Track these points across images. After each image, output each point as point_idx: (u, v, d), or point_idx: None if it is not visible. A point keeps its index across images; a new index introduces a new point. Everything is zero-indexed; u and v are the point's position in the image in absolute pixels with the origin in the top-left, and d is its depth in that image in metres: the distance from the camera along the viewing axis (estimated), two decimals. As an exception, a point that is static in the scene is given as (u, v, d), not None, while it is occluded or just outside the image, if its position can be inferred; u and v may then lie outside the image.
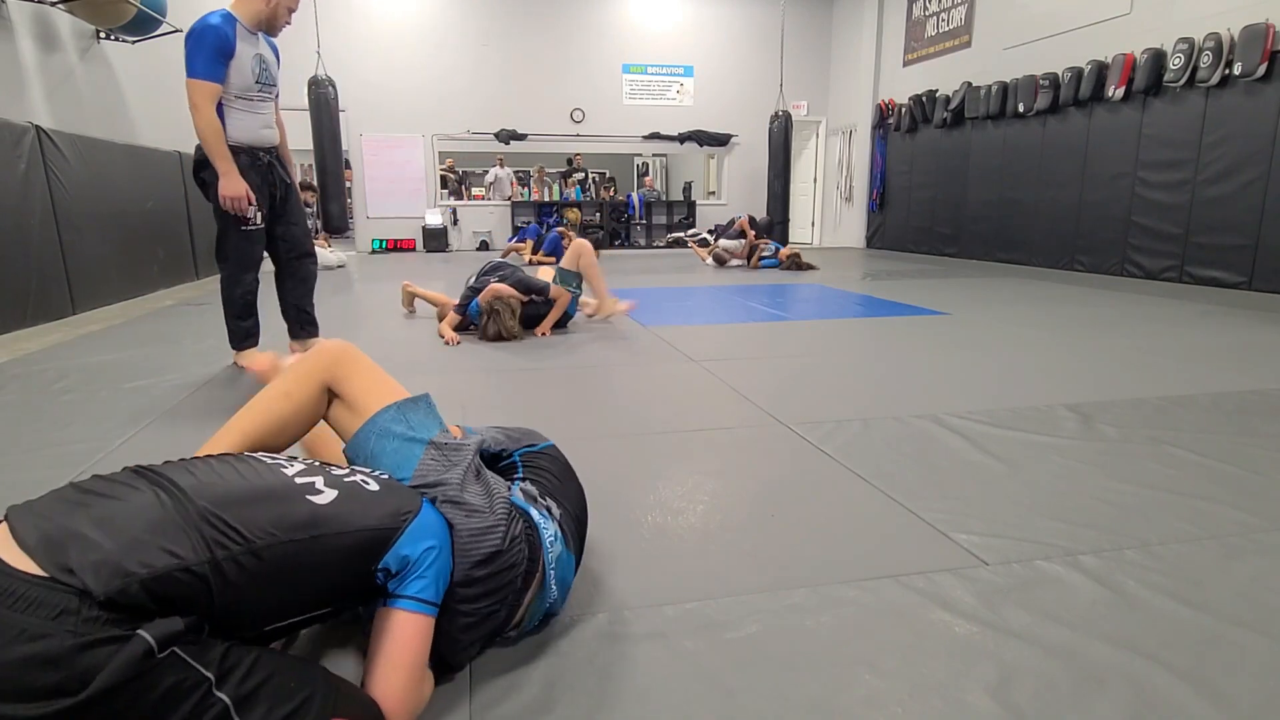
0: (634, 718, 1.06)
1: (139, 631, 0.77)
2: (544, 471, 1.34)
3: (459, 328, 4.05)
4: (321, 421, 1.27)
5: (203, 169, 3.07)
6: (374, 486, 1.05)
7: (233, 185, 3.00)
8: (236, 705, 0.82)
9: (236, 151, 3.00)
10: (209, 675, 0.81)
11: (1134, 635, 1.24)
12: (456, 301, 4.21)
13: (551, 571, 1.19)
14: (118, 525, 0.82)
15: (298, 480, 0.98)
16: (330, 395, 1.24)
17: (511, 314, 3.92)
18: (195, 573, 0.82)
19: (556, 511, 1.26)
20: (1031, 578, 1.43)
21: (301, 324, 3.50)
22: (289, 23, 3.15)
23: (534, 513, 1.20)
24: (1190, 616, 1.30)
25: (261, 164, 3.15)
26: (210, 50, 2.88)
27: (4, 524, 0.82)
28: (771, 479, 1.99)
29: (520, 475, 1.33)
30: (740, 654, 1.20)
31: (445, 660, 1.10)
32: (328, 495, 0.97)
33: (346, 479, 1.03)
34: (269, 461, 1.03)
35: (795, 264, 7.82)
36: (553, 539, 1.21)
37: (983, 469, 2.01)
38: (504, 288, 3.98)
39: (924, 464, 2.06)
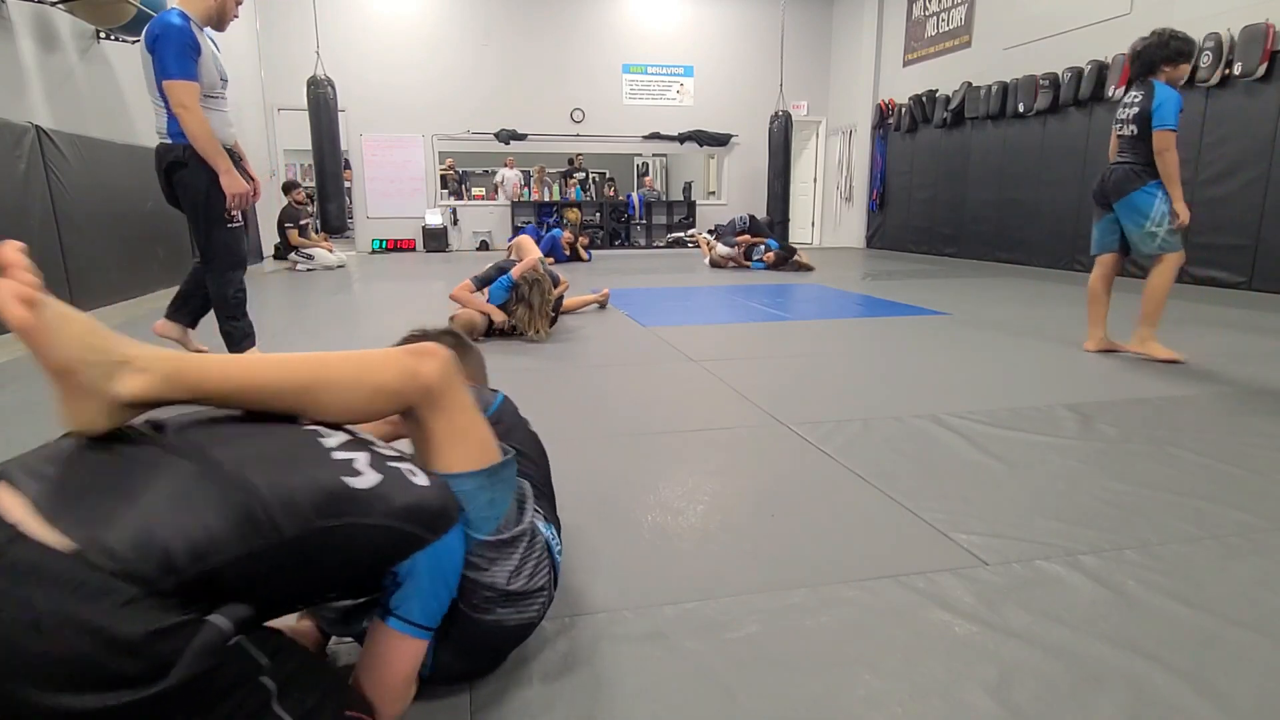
0: (634, 718, 1.06)
1: (210, 618, 0.73)
2: (525, 459, 1.26)
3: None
4: None
5: (178, 169, 2.93)
6: (422, 481, 0.93)
7: (236, 182, 2.94)
8: (278, 693, 0.79)
9: None
10: (261, 662, 0.78)
11: (1134, 635, 1.24)
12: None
13: (560, 563, 1.24)
14: (176, 507, 0.77)
15: (335, 456, 0.88)
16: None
17: (550, 286, 3.95)
18: (249, 559, 0.78)
19: (544, 510, 1.25)
20: (1031, 578, 1.43)
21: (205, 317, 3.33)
22: (236, 15, 3.09)
23: (543, 529, 1.19)
24: (1190, 616, 1.30)
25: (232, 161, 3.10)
26: (180, 48, 2.79)
27: (18, 495, 0.74)
28: (771, 479, 1.99)
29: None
30: (740, 654, 1.20)
31: (504, 651, 1.15)
32: (368, 479, 0.87)
33: (392, 463, 0.92)
34: (307, 428, 0.93)
35: (792, 265, 7.75)
36: (556, 543, 1.24)
37: (983, 469, 2.02)
38: (535, 261, 4.03)
39: (924, 464, 2.06)
